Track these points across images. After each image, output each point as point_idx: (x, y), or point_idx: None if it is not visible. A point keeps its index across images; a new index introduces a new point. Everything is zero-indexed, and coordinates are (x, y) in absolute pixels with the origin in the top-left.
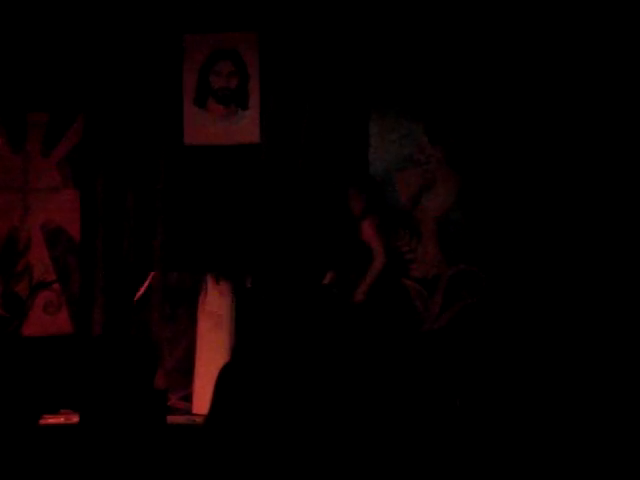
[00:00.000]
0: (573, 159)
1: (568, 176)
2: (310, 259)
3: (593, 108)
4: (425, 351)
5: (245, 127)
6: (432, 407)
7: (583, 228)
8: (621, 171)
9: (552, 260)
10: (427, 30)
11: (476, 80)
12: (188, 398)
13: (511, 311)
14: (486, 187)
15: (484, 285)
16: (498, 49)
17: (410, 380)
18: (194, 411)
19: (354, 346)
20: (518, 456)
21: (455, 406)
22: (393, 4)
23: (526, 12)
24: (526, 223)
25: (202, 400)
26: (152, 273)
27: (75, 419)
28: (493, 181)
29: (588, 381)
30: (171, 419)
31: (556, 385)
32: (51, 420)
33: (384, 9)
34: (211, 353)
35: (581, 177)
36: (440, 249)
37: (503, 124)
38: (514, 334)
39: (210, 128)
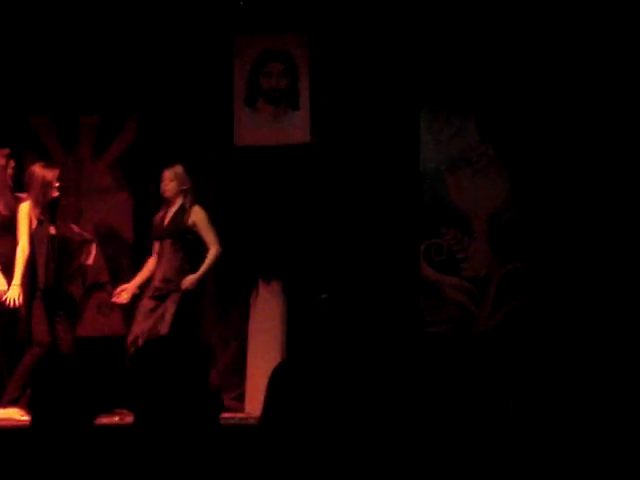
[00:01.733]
0: (626, 158)
1: (621, 175)
2: (363, 259)
3: None
4: (478, 350)
5: (295, 127)
6: (485, 407)
7: (637, 229)
8: None
9: (604, 259)
10: (476, 27)
11: (528, 77)
12: (241, 398)
13: (563, 310)
14: (538, 185)
15: (536, 284)
16: (549, 45)
17: (463, 380)
18: (247, 411)
19: (407, 346)
20: (571, 456)
21: (509, 407)
22: (443, 2)
23: (579, 12)
24: (578, 222)
25: (254, 400)
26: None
27: (130, 419)
28: (545, 179)
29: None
30: (224, 419)
31: (609, 385)
32: (106, 420)
33: (433, 7)
34: (263, 353)
35: (635, 178)
36: (491, 248)
37: (555, 122)
38: (566, 334)
39: (260, 129)
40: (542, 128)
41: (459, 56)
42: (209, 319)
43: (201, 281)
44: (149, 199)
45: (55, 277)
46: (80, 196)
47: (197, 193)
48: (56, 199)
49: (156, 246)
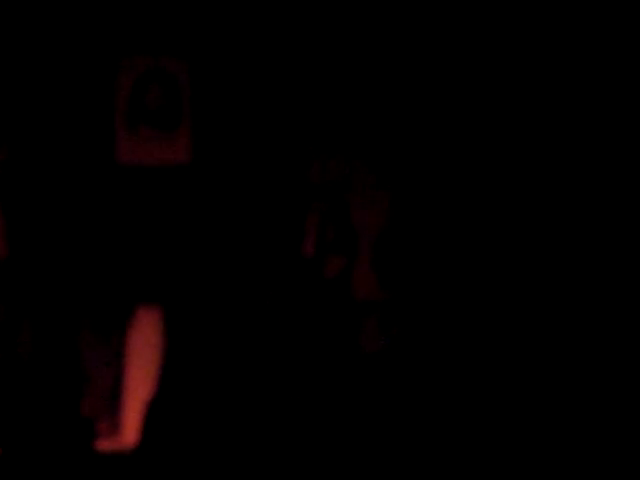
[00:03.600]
0: (516, 181)
1: (507, 200)
2: (242, 279)
3: (529, 129)
4: (360, 375)
5: (176, 148)
6: (369, 432)
7: (521, 252)
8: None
9: (489, 284)
10: (356, 66)
11: (413, 106)
12: (116, 425)
13: (448, 334)
14: (422, 211)
15: (420, 308)
16: (419, 80)
17: (346, 405)
18: (122, 438)
19: (288, 370)
20: None
21: (391, 429)
22: (325, 41)
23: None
24: (463, 246)
25: (131, 427)
26: None
27: None
28: (430, 205)
29: (530, 406)
30: (99, 446)
31: (496, 410)
32: None
33: (317, 44)
34: (140, 380)
35: (523, 206)
36: (375, 272)
37: (441, 148)
38: (451, 357)
39: (141, 149)
40: (430, 153)
41: (341, 90)
42: (86, 344)
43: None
44: (24, 218)
45: None
46: None
47: (76, 211)
48: None
49: None
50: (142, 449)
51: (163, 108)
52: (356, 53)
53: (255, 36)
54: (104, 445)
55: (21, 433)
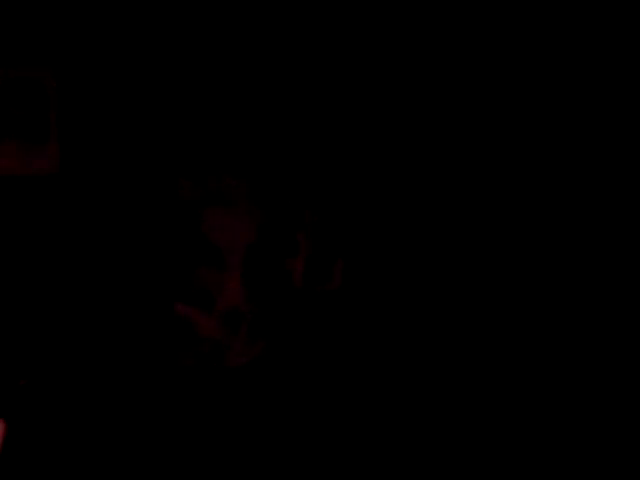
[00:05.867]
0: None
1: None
2: (114, 293)
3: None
4: (228, 387)
5: (44, 158)
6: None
7: (406, 263)
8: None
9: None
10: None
11: (279, 115)
12: None
13: (321, 346)
14: (289, 222)
15: (278, 322)
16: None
17: (214, 413)
18: None
19: (156, 382)
20: None
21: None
22: (200, 51)
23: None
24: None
25: None
26: None
27: None
28: (297, 217)
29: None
30: None
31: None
32: None
33: (192, 54)
34: None
35: (408, 218)
36: (244, 284)
37: (311, 165)
38: (319, 372)
39: (7, 159)
40: (297, 167)
41: (213, 103)
42: None
43: None
44: None
45: None
46: None
47: None
48: None
49: None
50: None
51: (29, 117)
52: (233, 67)
53: (125, 41)
54: None
55: None
